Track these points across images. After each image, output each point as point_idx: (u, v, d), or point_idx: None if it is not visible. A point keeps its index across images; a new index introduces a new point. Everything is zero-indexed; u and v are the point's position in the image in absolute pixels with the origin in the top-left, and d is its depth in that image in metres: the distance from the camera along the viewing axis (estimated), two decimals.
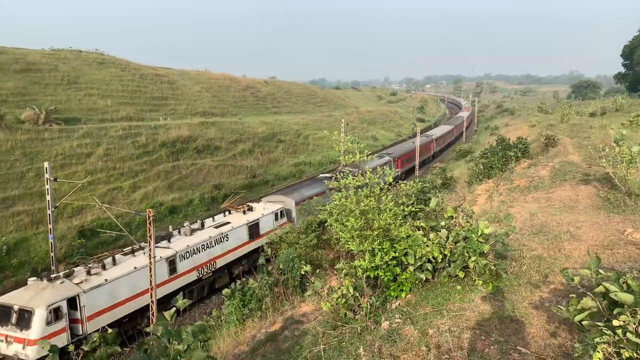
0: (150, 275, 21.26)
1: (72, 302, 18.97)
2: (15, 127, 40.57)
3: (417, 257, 9.17)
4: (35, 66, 54.90)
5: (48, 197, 24.63)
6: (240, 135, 59.77)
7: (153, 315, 21.40)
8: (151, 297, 21.52)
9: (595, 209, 13.87)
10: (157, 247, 22.63)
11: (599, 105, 50.98)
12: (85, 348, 5.10)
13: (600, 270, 5.55)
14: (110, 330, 5.57)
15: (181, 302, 5.90)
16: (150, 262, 21.21)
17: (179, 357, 5.12)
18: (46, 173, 24.15)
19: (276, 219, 30.86)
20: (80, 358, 4.97)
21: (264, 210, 30.71)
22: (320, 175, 44.93)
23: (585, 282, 6.73)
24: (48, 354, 4.31)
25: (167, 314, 5.55)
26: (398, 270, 9.35)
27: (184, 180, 46.17)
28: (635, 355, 4.45)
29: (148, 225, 20.71)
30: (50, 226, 25.19)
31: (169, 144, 49.81)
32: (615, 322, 4.61)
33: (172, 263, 23.67)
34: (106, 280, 20.51)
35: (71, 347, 5.02)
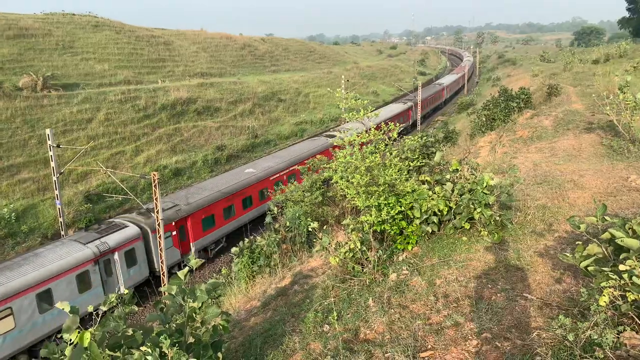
0: (159, 237, 21.57)
1: None
2: (13, 94, 40.22)
3: (422, 210, 9.28)
4: (28, 31, 53.88)
5: (52, 164, 24.72)
6: (239, 95, 59.21)
7: (164, 276, 21.86)
8: (160, 259, 21.91)
9: (598, 157, 13.89)
10: None
11: (602, 52, 50.04)
12: (104, 308, 5.25)
13: (606, 217, 5.63)
14: (126, 291, 5.73)
15: (194, 261, 6.03)
16: (158, 224, 21.48)
17: (194, 314, 5.29)
18: (49, 140, 24.16)
19: None
20: (99, 318, 5.12)
21: None
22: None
23: (590, 229, 6.82)
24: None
25: (180, 274, 5.71)
26: (404, 224, 9.48)
27: (186, 143, 46.09)
28: None
29: (153, 188, 20.87)
30: (56, 192, 25.40)
31: (169, 106, 49.44)
32: (621, 267, 4.72)
33: None
34: None
35: (90, 308, 5.16)
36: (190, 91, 53.68)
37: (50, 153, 24.49)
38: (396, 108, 54.93)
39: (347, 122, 11.48)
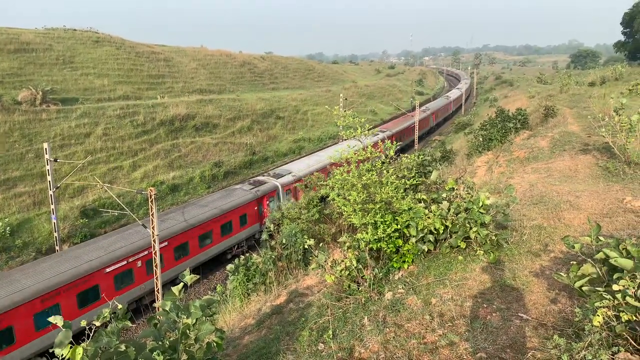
0: (155, 254, 21.45)
1: None
2: (12, 108, 40.35)
3: (418, 229, 9.28)
4: (29, 46, 54.29)
5: (49, 178, 24.69)
6: (238, 112, 59.50)
7: (159, 292, 21.69)
8: (155, 278, 21.77)
9: (594, 178, 13.96)
10: None
11: (598, 75, 50.61)
12: (97, 323, 5.20)
13: (601, 238, 5.64)
14: (120, 306, 5.68)
15: (189, 277, 6.00)
16: (153, 241, 21.39)
17: (187, 331, 5.25)
18: (46, 154, 24.16)
19: None
20: (92, 333, 5.08)
21: None
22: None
23: (585, 249, 6.84)
24: None
25: (175, 289, 5.67)
26: (400, 242, 9.47)
27: (184, 159, 46.18)
28: (634, 317, 4.58)
29: (150, 203, 20.82)
30: (52, 207, 25.32)
31: (167, 122, 49.63)
32: (615, 287, 4.73)
33: None
34: None
35: (83, 323, 5.11)
36: (189, 107, 53.93)
37: (47, 167, 24.48)
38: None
39: (345, 139, 11.53)
